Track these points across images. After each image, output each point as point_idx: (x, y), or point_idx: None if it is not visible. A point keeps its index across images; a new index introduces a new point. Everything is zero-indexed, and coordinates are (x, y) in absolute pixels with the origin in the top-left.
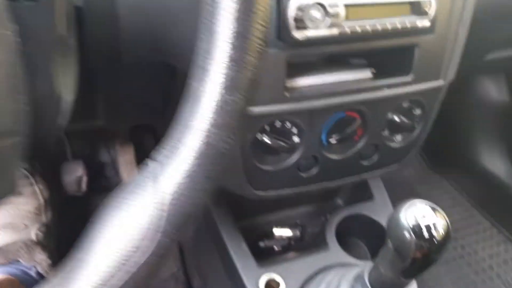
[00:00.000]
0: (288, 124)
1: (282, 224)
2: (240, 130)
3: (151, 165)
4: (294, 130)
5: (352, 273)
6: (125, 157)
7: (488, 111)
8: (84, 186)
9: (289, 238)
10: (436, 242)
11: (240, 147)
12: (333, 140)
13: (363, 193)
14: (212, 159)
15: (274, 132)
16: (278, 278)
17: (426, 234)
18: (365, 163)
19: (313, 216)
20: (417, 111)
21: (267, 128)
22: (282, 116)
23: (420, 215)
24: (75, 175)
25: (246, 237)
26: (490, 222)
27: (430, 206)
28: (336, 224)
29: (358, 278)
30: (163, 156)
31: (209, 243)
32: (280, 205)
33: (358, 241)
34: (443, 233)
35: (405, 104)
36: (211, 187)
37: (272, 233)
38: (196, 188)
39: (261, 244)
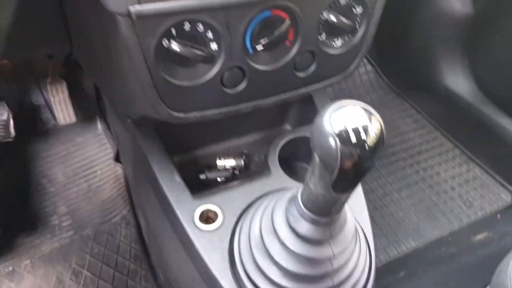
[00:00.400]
0: (200, 27)
1: (227, 155)
2: (138, 35)
3: None
4: (210, 34)
5: (288, 195)
6: (58, 97)
7: (450, 25)
8: (12, 130)
9: (233, 168)
10: (366, 148)
11: (144, 58)
12: (260, 47)
13: (312, 116)
14: None
15: (184, 37)
16: (215, 208)
17: (353, 139)
18: (301, 74)
19: (260, 144)
20: (358, 9)
21: (173, 32)
22: (190, 15)
23: (348, 118)
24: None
25: (189, 172)
26: (453, 144)
27: (361, 107)
28: (279, 148)
29: (292, 199)
30: None
31: (144, 179)
32: (225, 135)
33: (305, 165)
34: (375, 136)
35: (343, 1)
36: None
37: (216, 165)
38: None
39: (202, 176)
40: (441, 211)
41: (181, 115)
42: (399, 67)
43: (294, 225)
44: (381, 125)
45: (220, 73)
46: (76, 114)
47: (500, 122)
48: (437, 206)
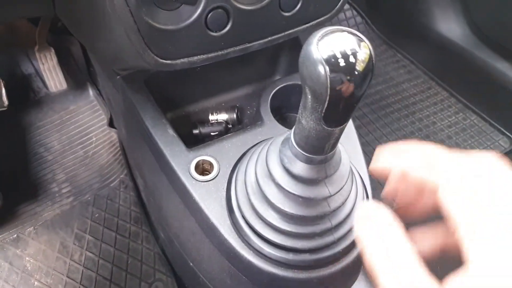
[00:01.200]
0: None
1: (219, 110)
2: None
3: None
4: None
5: (281, 138)
6: (47, 64)
7: None
8: (5, 99)
9: (225, 122)
10: (356, 73)
11: (126, 1)
12: None
13: None
14: None
15: None
16: (210, 159)
17: (342, 63)
18: (287, 14)
19: (252, 97)
20: None
21: None
22: None
23: (337, 43)
24: None
25: (182, 128)
26: (448, 92)
27: (349, 32)
28: (270, 96)
29: (285, 140)
30: None
31: (138, 137)
32: (217, 90)
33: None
34: (364, 61)
35: None
36: None
37: (208, 120)
38: None
39: (195, 131)
40: None
41: (168, 62)
42: (389, 17)
43: (288, 165)
44: (370, 50)
45: (204, 14)
46: (67, 81)
47: (496, 66)
48: None
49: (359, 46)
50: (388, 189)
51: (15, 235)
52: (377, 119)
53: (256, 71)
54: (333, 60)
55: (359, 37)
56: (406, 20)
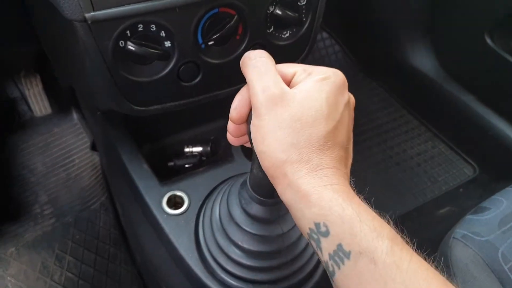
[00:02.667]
0: (153, 27)
1: (195, 142)
2: (95, 39)
3: None
4: (162, 33)
5: (240, 180)
6: (33, 90)
7: (413, 5)
8: None
9: (200, 154)
10: None
11: (103, 58)
12: (211, 42)
13: None
14: None
15: (139, 38)
16: (181, 194)
17: None
18: None
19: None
20: (302, 1)
21: (128, 33)
22: (141, 17)
23: None
24: None
25: (158, 159)
26: (419, 121)
27: None
28: None
29: (243, 183)
30: None
31: (116, 168)
32: (194, 123)
33: None
34: None
35: None
36: None
37: (184, 152)
38: None
39: (170, 163)
40: (407, 187)
41: (142, 108)
42: (366, 48)
43: (245, 207)
44: None
45: (176, 68)
46: (52, 106)
47: (462, 99)
48: (403, 182)
49: None
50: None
51: None
52: None
53: (229, 106)
54: None
55: None
56: (381, 52)
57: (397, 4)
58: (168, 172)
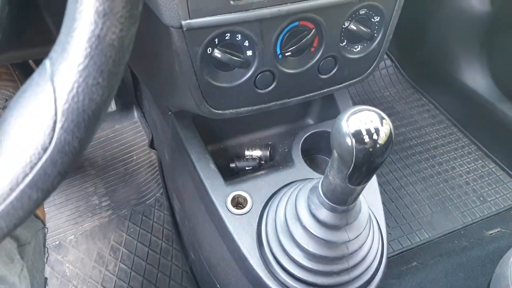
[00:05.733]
0: (238, 37)
1: (254, 146)
2: (187, 44)
3: (46, 62)
4: (246, 43)
5: (309, 185)
6: None
7: (468, 23)
8: None
9: (259, 158)
10: (377, 146)
11: (192, 63)
12: (288, 53)
13: (333, 111)
14: (102, 51)
15: (225, 46)
16: (245, 194)
17: (366, 139)
18: (324, 77)
19: (284, 136)
20: (376, 18)
21: (216, 41)
22: (230, 27)
23: (362, 121)
24: None
25: (220, 160)
26: (469, 139)
27: (374, 112)
28: (301, 141)
29: (313, 188)
30: (55, 52)
31: (182, 166)
32: (253, 128)
33: (325, 157)
34: (385, 137)
35: (362, 11)
36: (105, 81)
37: (244, 155)
38: (89, 83)
39: (232, 165)
40: (455, 205)
41: (219, 112)
42: (418, 62)
43: (314, 211)
44: (390, 128)
45: (254, 76)
46: (116, 103)
47: None
48: (451, 199)
49: (381, 123)
50: None
51: (58, 242)
52: (399, 160)
53: (290, 114)
54: (359, 135)
55: (382, 116)
56: (434, 68)
57: (453, 19)
58: (228, 172)
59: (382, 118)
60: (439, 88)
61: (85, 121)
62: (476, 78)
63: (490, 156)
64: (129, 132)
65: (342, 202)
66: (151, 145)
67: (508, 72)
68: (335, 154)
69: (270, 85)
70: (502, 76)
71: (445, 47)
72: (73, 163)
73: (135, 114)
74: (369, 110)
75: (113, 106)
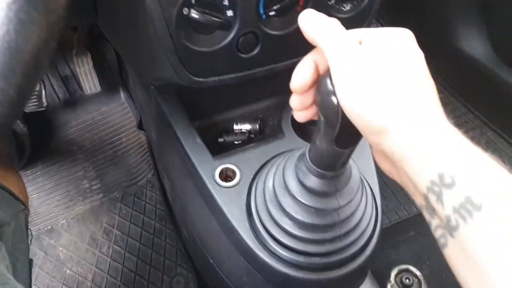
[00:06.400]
0: None
1: (243, 120)
2: (161, 5)
3: None
4: (226, 1)
5: (297, 153)
6: (84, 68)
7: None
8: (44, 100)
9: (249, 132)
10: None
11: (167, 26)
12: (272, 13)
13: None
14: None
15: (203, 6)
16: (233, 167)
17: None
18: None
19: (274, 109)
20: None
21: (192, 0)
22: None
23: None
24: None
25: (208, 136)
26: (466, 108)
27: None
28: (291, 112)
29: (301, 156)
30: None
31: (168, 143)
32: (242, 101)
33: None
34: None
35: None
36: None
37: (233, 130)
38: None
39: (220, 139)
40: None
41: (200, 79)
42: (413, 30)
43: (302, 179)
44: None
45: (236, 38)
46: (101, 84)
47: None
48: None
49: None
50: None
51: (50, 227)
52: None
53: (279, 85)
54: None
55: None
56: (430, 35)
57: None
58: (217, 148)
59: None
60: (436, 56)
61: None
62: (475, 45)
63: (488, 124)
64: (116, 114)
65: (330, 167)
66: (140, 126)
67: (507, 38)
68: (321, 116)
69: (254, 49)
70: (501, 42)
71: (442, 13)
72: None
73: (122, 95)
74: None
75: (97, 87)
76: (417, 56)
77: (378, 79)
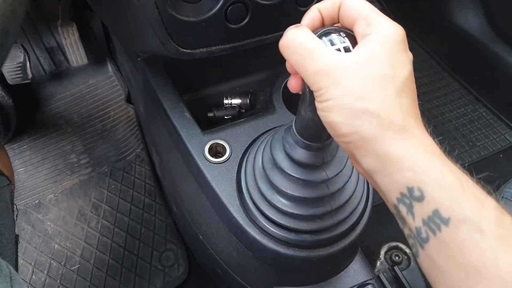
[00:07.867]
0: None
1: (234, 94)
2: None
3: None
4: None
5: (285, 126)
6: (70, 39)
7: None
8: (29, 72)
9: (239, 107)
10: None
11: None
12: None
13: None
14: None
15: None
16: (223, 143)
17: None
18: (304, 9)
19: (265, 83)
20: None
21: None
22: None
23: (332, 42)
24: (17, 61)
25: (197, 111)
26: (459, 83)
27: (344, 31)
28: (282, 85)
29: (288, 128)
30: None
31: (156, 117)
32: (232, 75)
33: None
34: None
35: None
36: None
37: (223, 104)
38: None
39: (210, 114)
40: (443, 151)
41: (188, 51)
42: (406, 4)
43: (289, 151)
44: None
45: (224, 7)
46: (88, 56)
47: (510, 61)
48: (440, 145)
49: (352, 46)
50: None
51: (37, 201)
52: None
53: (270, 58)
54: None
55: (353, 36)
56: (423, 9)
57: None
58: (207, 123)
59: (354, 40)
60: (429, 31)
61: None
62: (468, 18)
63: (481, 100)
64: (104, 87)
65: (316, 138)
66: (128, 99)
67: (502, 12)
68: (305, 84)
69: (244, 19)
70: (495, 15)
71: None
72: None
73: (109, 68)
74: (339, 30)
75: (84, 59)
76: (403, 62)
77: (353, 90)
